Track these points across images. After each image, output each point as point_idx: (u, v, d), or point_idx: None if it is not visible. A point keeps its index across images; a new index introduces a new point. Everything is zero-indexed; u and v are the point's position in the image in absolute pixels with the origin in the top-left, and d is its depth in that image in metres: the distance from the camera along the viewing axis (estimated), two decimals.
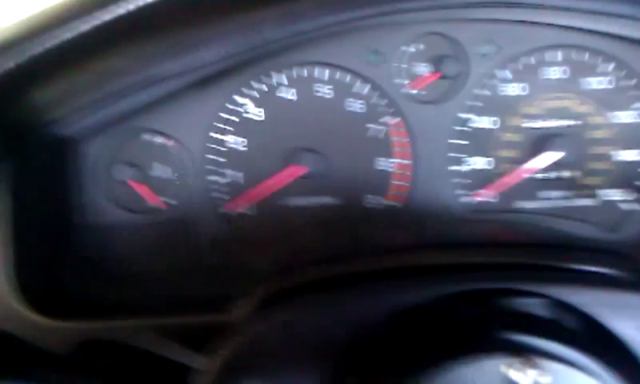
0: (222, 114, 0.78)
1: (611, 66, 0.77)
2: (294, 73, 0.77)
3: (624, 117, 0.78)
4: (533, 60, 0.76)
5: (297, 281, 0.63)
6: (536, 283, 0.51)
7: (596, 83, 0.77)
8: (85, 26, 0.49)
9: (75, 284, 0.77)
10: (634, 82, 0.77)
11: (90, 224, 0.80)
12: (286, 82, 0.77)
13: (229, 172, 0.80)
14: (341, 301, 0.52)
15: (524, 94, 0.78)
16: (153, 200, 0.80)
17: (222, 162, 0.79)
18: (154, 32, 0.55)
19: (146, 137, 0.78)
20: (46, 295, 0.70)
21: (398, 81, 0.77)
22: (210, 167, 0.79)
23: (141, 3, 0.48)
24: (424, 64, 0.77)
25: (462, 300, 0.51)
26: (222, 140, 0.79)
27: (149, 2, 0.48)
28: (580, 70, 0.77)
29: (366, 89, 0.77)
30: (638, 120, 0.78)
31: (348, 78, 0.77)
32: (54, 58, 0.51)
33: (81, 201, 0.79)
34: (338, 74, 0.77)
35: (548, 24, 0.73)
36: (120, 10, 0.49)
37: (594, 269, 0.60)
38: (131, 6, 0.49)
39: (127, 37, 0.53)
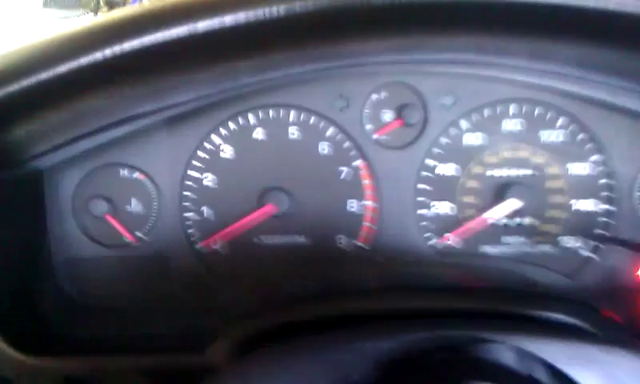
0: (199, 152, 0.82)
1: (563, 120, 0.81)
2: (267, 114, 0.82)
3: (578, 168, 0.82)
4: (490, 112, 0.82)
5: (268, 324, 0.66)
6: (498, 331, 0.53)
7: (549, 136, 0.82)
8: (63, 67, 0.52)
9: (52, 318, 0.78)
10: (585, 135, 0.82)
11: (66, 258, 0.82)
12: (257, 123, 0.82)
13: (204, 209, 0.83)
14: (313, 349, 0.54)
15: (483, 143, 0.82)
16: (128, 235, 0.83)
17: (197, 200, 0.83)
18: (132, 76, 0.58)
19: (124, 172, 0.82)
20: (23, 330, 0.71)
21: (362, 126, 0.82)
22: (185, 204, 0.83)
23: (117, 51, 0.52)
24: (387, 111, 0.82)
25: (427, 347, 0.53)
26: (197, 178, 0.82)
27: (125, 50, 0.52)
28: (534, 123, 0.82)
29: (333, 132, 0.82)
30: (591, 172, 0.82)
31: (316, 120, 0.82)
32: (32, 97, 0.54)
33: (56, 234, 0.82)
34: (306, 117, 0.82)
35: (504, 79, 0.78)
36: (97, 54, 0.52)
37: (553, 316, 0.62)
38: (108, 53, 0.52)
39: (105, 80, 0.56)
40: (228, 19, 0.50)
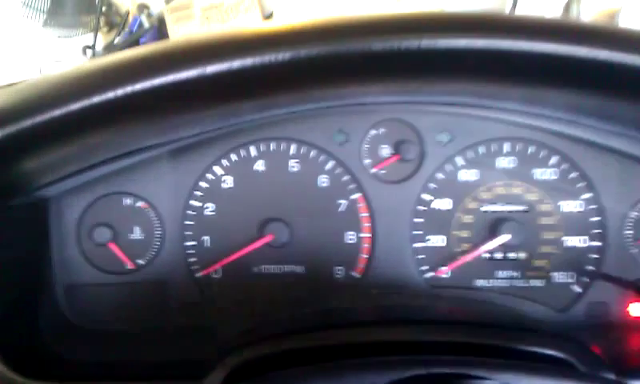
0: (201, 183, 0.84)
1: (555, 159, 0.84)
2: (268, 147, 0.84)
3: (570, 206, 0.85)
4: (484, 150, 0.84)
5: (264, 353, 0.67)
6: (489, 369, 0.55)
7: (541, 174, 0.84)
8: (76, 105, 0.53)
9: (52, 343, 0.80)
10: (576, 174, 0.84)
11: (68, 283, 0.84)
12: (258, 155, 0.84)
13: (205, 238, 0.85)
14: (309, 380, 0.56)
15: (477, 179, 0.85)
16: (130, 263, 0.85)
17: (198, 229, 0.85)
18: (141, 114, 0.60)
19: (127, 201, 0.84)
20: (24, 354, 0.73)
21: (361, 160, 0.84)
22: (186, 233, 0.85)
23: (129, 90, 0.54)
24: (385, 146, 0.84)
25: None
26: (199, 207, 0.84)
27: (137, 90, 0.54)
28: (527, 161, 0.84)
29: (332, 166, 0.84)
30: (582, 209, 0.85)
31: (316, 154, 0.84)
32: (45, 132, 0.55)
33: (59, 260, 0.83)
34: (306, 150, 0.84)
35: (498, 119, 0.81)
36: (110, 94, 0.54)
37: (545, 352, 0.64)
38: (120, 92, 0.54)
39: (115, 117, 0.58)
40: (236, 63, 0.53)
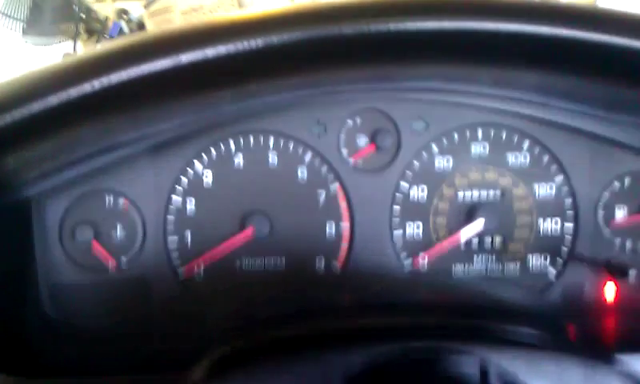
0: (182, 178, 0.85)
1: (527, 143, 0.86)
2: (247, 140, 0.85)
3: (543, 189, 0.87)
4: (459, 136, 0.86)
5: (248, 344, 0.68)
6: (461, 343, 0.57)
7: (515, 158, 0.86)
8: (54, 99, 0.54)
9: (37, 342, 0.80)
10: (549, 157, 0.86)
11: (52, 283, 0.84)
12: (237, 149, 0.85)
13: (187, 234, 0.86)
14: (293, 366, 0.57)
15: (453, 166, 0.86)
16: (113, 261, 0.85)
17: (180, 225, 0.85)
18: (118, 106, 0.61)
19: (109, 199, 0.84)
20: (9, 353, 0.72)
21: (339, 151, 0.86)
22: (168, 229, 0.85)
23: (105, 82, 0.55)
24: (362, 136, 0.86)
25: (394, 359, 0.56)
26: (180, 203, 0.85)
27: (113, 82, 0.55)
28: (501, 146, 0.86)
29: (311, 157, 0.86)
30: (556, 192, 0.87)
31: (294, 146, 0.85)
32: (23, 128, 0.56)
33: (43, 260, 0.83)
34: (285, 143, 0.85)
35: (471, 105, 0.83)
36: (86, 86, 0.55)
37: (521, 330, 0.66)
38: (96, 84, 0.55)
39: (92, 110, 0.59)
40: (210, 51, 0.54)
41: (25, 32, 3.68)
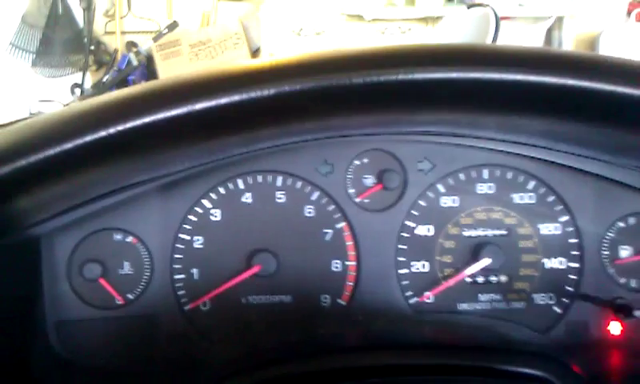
0: (190, 216, 0.86)
1: (532, 184, 0.87)
2: (255, 179, 0.87)
3: (548, 229, 0.88)
4: (464, 176, 0.87)
5: (254, 382, 0.69)
6: None
7: (521, 198, 0.87)
8: (69, 144, 0.55)
9: (44, 379, 0.80)
10: (554, 198, 0.87)
11: (59, 320, 0.85)
12: (245, 188, 0.86)
13: (194, 271, 0.86)
14: None
15: (458, 205, 0.87)
16: (120, 298, 0.86)
17: (187, 262, 0.86)
18: (132, 151, 0.62)
19: (117, 237, 0.85)
20: None
21: (346, 190, 0.87)
22: (176, 266, 0.86)
23: (121, 129, 0.56)
24: (369, 176, 0.87)
25: None
26: (188, 241, 0.86)
27: (128, 128, 0.56)
28: (506, 186, 0.87)
29: (318, 196, 0.87)
30: (561, 232, 0.88)
31: (302, 185, 0.87)
32: (39, 171, 0.57)
33: (50, 297, 0.84)
34: (292, 182, 0.87)
35: (476, 146, 0.84)
36: (102, 132, 0.57)
37: (527, 371, 0.67)
38: (112, 130, 0.57)
39: (106, 155, 0.60)
40: (223, 100, 0.55)
41: (34, 63, 3.76)
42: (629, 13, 3.83)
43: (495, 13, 2.45)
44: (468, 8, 2.72)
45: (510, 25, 3.60)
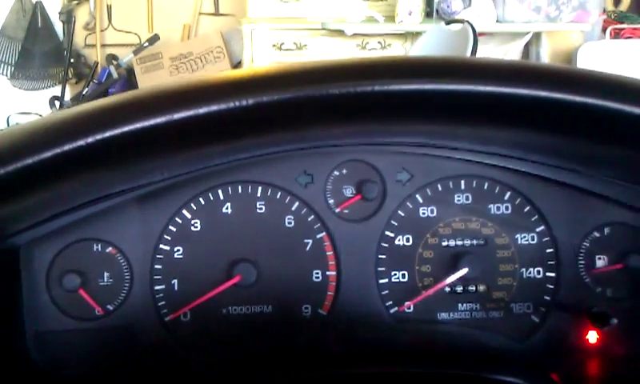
0: (170, 227, 0.86)
1: (509, 195, 0.89)
2: (235, 190, 0.87)
3: (525, 239, 0.89)
4: (442, 187, 0.88)
5: None
6: None
7: (496, 208, 0.89)
8: (48, 153, 0.55)
9: None
10: (530, 208, 0.89)
11: (38, 330, 0.84)
12: (226, 198, 0.87)
13: (174, 282, 0.86)
14: None
15: (436, 216, 0.88)
16: (100, 309, 0.85)
17: (167, 273, 0.86)
18: (111, 161, 0.62)
19: (97, 247, 0.85)
20: None
21: (326, 200, 0.88)
22: (156, 277, 0.86)
23: (99, 138, 0.57)
24: (348, 186, 0.88)
25: None
26: (168, 251, 0.86)
27: (107, 138, 0.57)
28: (483, 197, 0.89)
29: (298, 206, 0.87)
30: (537, 242, 0.89)
31: (282, 195, 0.87)
32: (16, 181, 0.56)
33: (29, 308, 0.84)
34: (272, 192, 0.87)
35: (454, 158, 0.86)
36: (80, 141, 0.57)
37: (505, 379, 0.68)
38: (91, 140, 0.57)
39: (84, 164, 0.60)
40: (202, 110, 0.56)
41: (13, 76, 3.72)
42: (604, 29, 3.92)
43: (473, 28, 2.49)
44: (446, 24, 2.76)
45: (488, 41, 3.66)
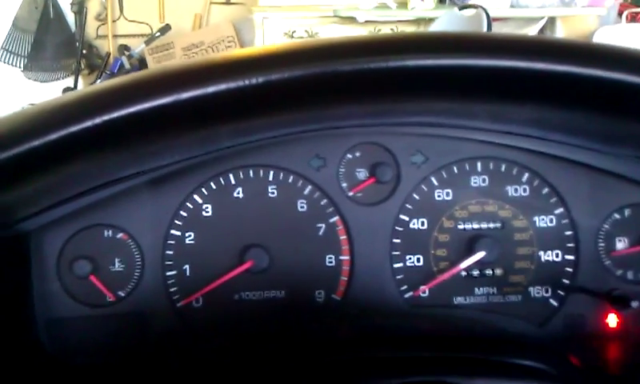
0: (181, 212, 0.85)
1: (527, 176, 0.87)
2: (247, 174, 0.86)
3: (543, 221, 0.87)
4: (458, 169, 0.86)
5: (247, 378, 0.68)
6: (468, 377, 0.56)
7: (515, 191, 0.87)
8: (54, 135, 0.54)
9: (35, 377, 0.79)
10: (549, 190, 0.87)
11: (49, 317, 0.84)
12: (237, 183, 0.85)
13: (186, 268, 0.85)
14: None
15: (451, 198, 0.87)
16: (111, 295, 0.85)
17: (179, 258, 0.85)
18: (118, 142, 0.61)
19: (108, 233, 0.84)
20: None
21: (338, 184, 0.86)
22: (167, 263, 0.85)
23: (106, 118, 0.55)
24: (362, 169, 0.86)
25: None
26: (179, 237, 0.85)
27: (114, 118, 0.56)
28: (500, 179, 0.87)
29: (311, 190, 0.86)
30: (556, 224, 0.87)
31: (294, 179, 0.86)
32: (24, 164, 0.56)
33: (40, 294, 0.83)
34: (285, 176, 0.86)
35: (469, 139, 0.84)
36: (88, 122, 0.56)
37: (521, 362, 0.66)
38: (98, 120, 0.56)
39: (92, 146, 0.59)
40: (210, 89, 0.54)
41: (26, 68, 3.74)
42: (620, 13, 3.85)
43: (487, 13, 2.45)
44: (460, 9, 2.72)
45: (501, 26, 3.61)
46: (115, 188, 0.75)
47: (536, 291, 0.87)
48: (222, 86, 0.54)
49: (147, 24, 3.81)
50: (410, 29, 3.68)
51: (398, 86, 0.59)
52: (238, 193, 0.85)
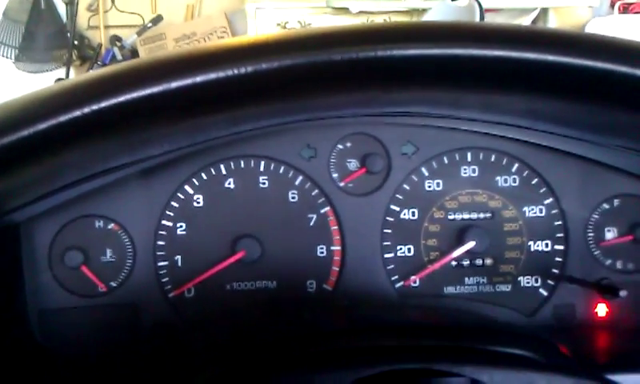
0: (172, 203, 0.85)
1: (517, 167, 0.87)
2: (238, 164, 0.86)
3: (533, 211, 0.88)
4: (448, 159, 0.87)
5: (237, 367, 0.68)
6: (455, 364, 0.57)
7: (503, 181, 0.87)
8: (43, 124, 0.54)
9: (24, 369, 0.79)
10: (538, 180, 0.87)
11: (40, 308, 0.84)
12: (228, 173, 0.85)
13: (177, 258, 0.85)
14: None
15: (443, 189, 0.87)
16: (102, 286, 0.85)
17: (170, 249, 0.85)
18: (108, 132, 0.61)
19: (99, 224, 0.84)
20: None
21: (329, 174, 0.86)
22: (159, 253, 0.85)
23: (95, 108, 0.55)
24: (352, 160, 0.86)
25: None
26: (171, 227, 0.85)
27: (103, 107, 0.55)
28: (490, 169, 0.87)
29: (302, 181, 0.86)
30: (545, 214, 0.87)
31: (285, 170, 0.86)
32: (12, 154, 0.55)
33: (31, 285, 0.83)
34: (276, 167, 0.86)
35: (459, 129, 0.84)
36: (76, 112, 0.55)
37: (510, 351, 0.66)
38: (87, 110, 0.55)
39: (81, 136, 0.59)
40: (199, 78, 0.54)
41: (17, 59, 3.70)
42: (612, 5, 3.85)
43: (480, 4, 2.44)
44: (452, 0, 2.72)
45: (494, 17, 3.61)
46: (106, 179, 0.75)
47: (526, 281, 0.88)
48: (212, 76, 0.54)
49: (139, 15, 3.78)
50: (403, 19, 3.67)
51: (387, 76, 0.59)
52: (229, 183, 0.85)
